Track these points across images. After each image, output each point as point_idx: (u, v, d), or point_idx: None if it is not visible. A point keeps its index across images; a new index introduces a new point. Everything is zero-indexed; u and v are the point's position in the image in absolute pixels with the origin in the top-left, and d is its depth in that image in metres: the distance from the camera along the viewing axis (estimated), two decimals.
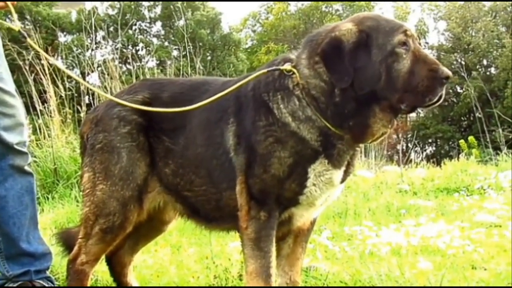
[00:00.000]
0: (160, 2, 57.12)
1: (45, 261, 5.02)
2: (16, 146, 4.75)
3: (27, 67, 11.42)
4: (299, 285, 4.67)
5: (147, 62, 53.02)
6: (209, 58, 55.12)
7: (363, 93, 3.92)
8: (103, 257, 5.03)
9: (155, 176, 4.61)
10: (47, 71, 10.90)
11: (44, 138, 11.55)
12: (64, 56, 12.91)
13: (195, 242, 7.27)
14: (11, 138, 4.71)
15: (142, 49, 56.46)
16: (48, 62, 11.12)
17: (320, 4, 62.89)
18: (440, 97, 3.94)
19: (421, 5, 60.90)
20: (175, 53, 51.96)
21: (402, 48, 3.93)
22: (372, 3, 61.28)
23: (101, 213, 4.58)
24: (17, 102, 4.79)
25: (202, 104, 4.33)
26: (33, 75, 11.37)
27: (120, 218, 4.56)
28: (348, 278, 5.35)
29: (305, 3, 64.15)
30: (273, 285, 4.25)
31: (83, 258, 4.66)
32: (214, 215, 4.57)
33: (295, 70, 4.15)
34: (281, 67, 4.21)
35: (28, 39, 4.93)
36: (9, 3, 4.75)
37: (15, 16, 4.74)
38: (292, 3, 65.23)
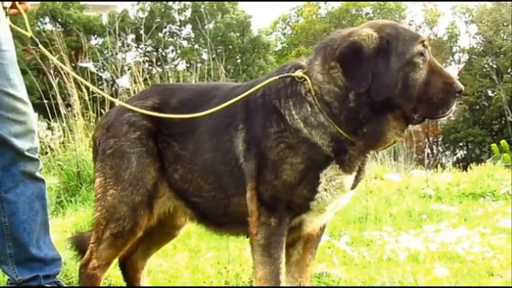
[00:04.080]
0: (190, 5, 57.28)
1: (55, 267, 5.03)
2: (27, 153, 4.77)
3: (51, 71, 11.48)
4: None
5: (176, 64, 53.37)
6: (238, 61, 55.26)
7: (378, 99, 3.90)
8: (117, 261, 5.08)
9: (165, 182, 4.61)
10: (70, 75, 10.93)
11: (68, 142, 11.63)
12: (94, 59, 12.93)
13: (213, 247, 7.26)
14: (22, 144, 4.73)
15: (172, 52, 56.77)
16: (72, 66, 11.20)
17: (350, 7, 62.80)
18: (452, 110, 3.96)
19: (452, 8, 60.53)
20: (204, 56, 52.20)
21: (420, 58, 3.93)
22: (402, 5, 60.97)
23: (112, 218, 4.60)
24: (29, 109, 4.81)
25: (209, 112, 4.33)
26: (57, 79, 11.44)
27: (130, 223, 4.57)
28: (360, 285, 5.32)
29: (336, 6, 64.12)
30: None
31: (95, 263, 4.68)
32: (223, 220, 4.58)
33: (307, 77, 4.13)
34: (293, 74, 4.19)
35: (40, 46, 4.98)
36: (21, 9, 4.79)
37: (27, 22, 4.78)
38: (322, 6, 65.20)
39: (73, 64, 13.63)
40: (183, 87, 5.07)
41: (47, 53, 5.30)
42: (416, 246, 7.23)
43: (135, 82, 12.09)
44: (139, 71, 12.29)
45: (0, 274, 5.37)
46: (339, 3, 63.79)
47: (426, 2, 61.75)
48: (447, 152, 53.94)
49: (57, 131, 13.75)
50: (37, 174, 4.90)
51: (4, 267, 4.94)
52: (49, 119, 12.76)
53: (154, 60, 30.31)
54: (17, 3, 4.79)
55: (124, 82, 14.63)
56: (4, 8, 4.68)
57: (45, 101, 12.32)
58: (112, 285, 5.47)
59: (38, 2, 50.76)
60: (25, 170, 4.79)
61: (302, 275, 4.60)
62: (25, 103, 4.76)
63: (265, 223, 4.17)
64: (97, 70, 13.36)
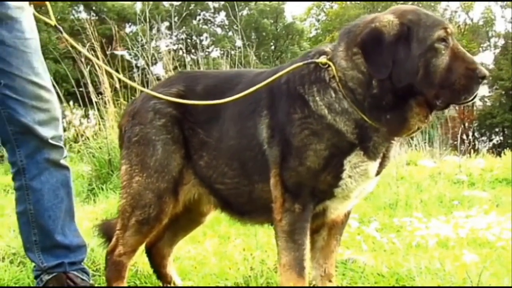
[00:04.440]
0: None
1: (80, 254, 5.06)
2: (51, 141, 4.79)
3: (82, 59, 11.55)
4: (334, 278, 4.64)
5: (210, 52, 53.40)
6: (272, 47, 55.20)
7: (400, 86, 3.87)
8: (143, 248, 5.11)
9: (190, 169, 4.62)
10: (101, 63, 10.99)
11: (100, 130, 11.70)
12: (128, 47, 12.98)
13: (243, 233, 7.26)
14: (46, 132, 4.75)
15: (205, 39, 56.85)
16: (103, 54, 11.25)
17: None
18: (475, 95, 3.92)
19: None
20: (238, 43, 52.22)
21: (442, 44, 3.89)
22: None
23: (137, 205, 4.62)
24: (53, 97, 4.83)
25: (233, 98, 4.33)
26: (88, 67, 11.50)
27: (155, 209, 4.59)
28: (386, 271, 5.31)
29: None
30: (307, 277, 4.25)
31: (121, 250, 4.71)
32: (246, 209, 4.59)
33: (330, 63, 4.11)
34: (317, 60, 4.18)
35: (64, 34, 5.00)
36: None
37: (50, 11, 4.80)
38: None
39: (108, 52, 13.66)
40: (207, 74, 5.08)
41: (71, 41, 5.31)
42: (446, 232, 7.22)
43: (168, 70, 12.12)
44: (173, 59, 12.32)
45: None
46: None
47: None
48: (483, 138, 53.54)
49: (93, 119, 13.86)
50: (62, 161, 4.93)
51: (30, 254, 4.98)
52: (84, 107, 12.85)
53: (187, 47, 30.32)
54: None
55: (158, 69, 14.70)
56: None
57: (77, 89, 12.43)
58: (139, 272, 5.49)
59: None
60: (50, 157, 4.82)
61: (327, 261, 4.60)
62: (49, 91, 4.79)
63: (289, 210, 4.17)
64: (131, 58, 13.42)
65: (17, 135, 4.73)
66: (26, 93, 4.64)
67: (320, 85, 4.12)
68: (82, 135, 12.30)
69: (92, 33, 11.51)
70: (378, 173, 4.29)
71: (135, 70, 11.86)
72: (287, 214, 4.18)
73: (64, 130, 13.90)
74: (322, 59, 4.16)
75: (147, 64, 12.50)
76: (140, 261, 5.51)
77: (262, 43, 56.59)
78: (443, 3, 61.27)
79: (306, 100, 4.12)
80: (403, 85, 3.87)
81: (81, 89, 12.46)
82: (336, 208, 4.35)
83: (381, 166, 4.27)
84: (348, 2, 64.54)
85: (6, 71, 4.58)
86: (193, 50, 30.48)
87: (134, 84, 5.75)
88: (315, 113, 4.08)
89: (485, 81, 3.99)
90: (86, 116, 15.49)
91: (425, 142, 18.04)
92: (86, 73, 11.38)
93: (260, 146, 4.29)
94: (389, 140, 4.15)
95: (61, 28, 4.88)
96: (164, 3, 53.95)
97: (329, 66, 4.11)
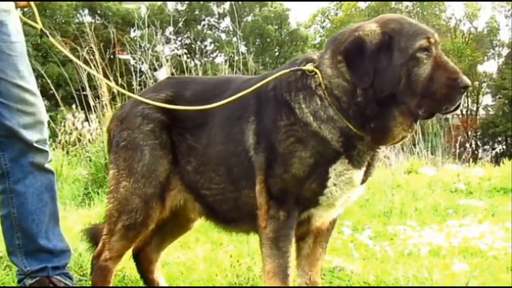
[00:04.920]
0: None
1: (64, 258, 5.06)
2: (36, 144, 4.79)
3: (80, 63, 11.55)
4: (319, 285, 4.64)
5: (215, 57, 53.49)
6: (276, 54, 55.24)
7: (383, 95, 3.89)
8: (131, 253, 5.11)
9: (177, 174, 4.61)
10: (99, 66, 11.01)
11: (98, 134, 11.69)
12: (133, 51, 12.98)
13: (236, 239, 7.25)
14: (31, 136, 4.75)
15: (210, 45, 56.93)
16: (101, 58, 11.25)
17: (390, 0, 62.35)
18: (458, 105, 3.91)
19: (492, 2, 59.84)
20: (242, 48, 52.27)
21: (424, 53, 3.90)
22: None
23: (124, 210, 4.61)
24: (38, 100, 4.83)
25: (220, 104, 4.34)
26: (86, 71, 11.50)
27: (142, 215, 4.58)
28: (373, 279, 5.30)
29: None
30: (290, 285, 4.25)
31: (107, 255, 4.70)
32: (231, 216, 4.58)
33: (317, 70, 4.13)
34: (303, 67, 4.19)
35: (51, 38, 5.00)
36: (31, 2, 4.82)
37: (36, 14, 4.80)
38: None
39: (106, 56, 13.68)
40: (196, 79, 5.11)
41: (57, 44, 5.31)
42: (438, 241, 7.21)
43: (172, 74, 12.12)
44: (179, 64, 12.33)
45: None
46: None
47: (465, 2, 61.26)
48: (486, 147, 53.47)
49: (94, 123, 13.87)
50: (46, 165, 4.93)
51: (13, 258, 4.97)
52: (87, 111, 12.86)
53: (192, 52, 30.40)
54: None
55: (162, 74, 14.68)
56: (15, 0, 4.71)
57: (80, 93, 12.43)
58: (126, 277, 5.49)
59: None
60: (34, 161, 4.82)
61: (313, 268, 4.60)
62: (34, 95, 4.79)
63: (274, 217, 4.18)
64: (135, 63, 13.45)
65: (1, 138, 4.73)
66: (11, 96, 4.64)
67: (306, 93, 4.13)
68: (79, 139, 12.30)
69: (91, 36, 11.51)
70: (363, 181, 4.29)
71: (134, 74, 11.79)
72: (271, 221, 4.19)
73: (68, 133, 14.02)
74: (309, 66, 4.17)
75: (150, 69, 12.53)
76: (127, 266, 5.51)
77: (266, 49, 56.66)
78: (448, 12, 61.30)
79: (292, 107, 4.13)
80: (386, 94, 3.88)
81: (84, 92, 12.45)
82: (321, 215, 4.35)
83: (366, 174, 4.28)
84: (353, 10, 64.53)
85: None
86: (197, 56, 30.54)
87: (119, 88, 5.73)
88: (301, 120, 4.09)
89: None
90: (87, 119, 15.54)
91: (427, 150, 18.00)
92: (84, 76, 11.38)
93: (246, 152, 4.29)
94: (373, 148, 4.16)
95: (47, 32, 4.89)
96: (169, 7, 54.05)
97: (315, 73, 4.13)
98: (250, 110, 4.32)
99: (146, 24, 12.88)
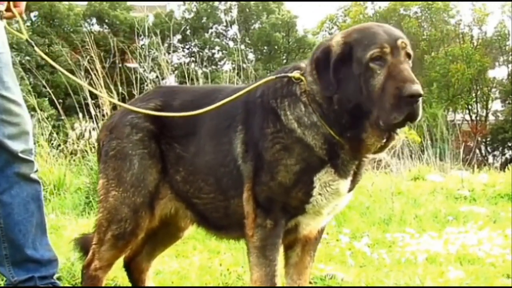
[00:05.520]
0: (236, 5, 57.45)
1: (51, 268, 5.06)
2: (21, 154, 4.79)
3: (82, 73, 11.60)
4: None
5: (223, 65, 53.52)
6: (284, 61, 55.22)
7: (350, 105, 3.91)
8: (122, 262, 5.12)
9: (167, 183, 4.62)
10: (100, 76, 11.04)
11: None
12: (141, 60, 13.00)
13: (234, 247, 7.25)
14: (16, 146, 4.76)
15: (218, 52, 56.99)
16: (102, 67, 11.29)
17: (398, 6, 62.21)
18: (410, 116, 3.80)
19: (501, 7, 59.57)
20: (250, 56, 52.30)
21: (376, 63, 3.86)
22: (450, 4, 60.25)
23: (113, 219, 4.62)
24: (22, 111, 4.83)
25: (206, 110, 4.36)
26: (87, 80, 11.53)
27: (131, 224, 4.59)
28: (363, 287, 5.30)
29: (383, 5, 63.62)
30: None
31: (97, 264, 4.71)
32: (222, 224, 4.59)
33: (303, 78, 4.14)
34: (290, 74, 4.20)
35: (36, 48, 5.01)
36: (16, 12, 4.83)
37: (22, 25, 4.82)
38: (369, 6, 64.78)
39: (115, 65, 13.72)
40: (186, 89, 5.12)
41: (43, 55, 5.31)
42: (436, 248, 7.18)
43: (180, 82, 12.15)
44: (188, 72, 12.36)
45: None
46: (386, 3, 63.29)
47: (474, 2, 61.01)
48: (496, 153, 53.30)
49: (95, 131, 13.87)
50: (32, 175, 4.93)
51: (0, 268, 4.97)
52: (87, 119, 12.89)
53: (199, 60, 30.42)
54: (11, 6, 4.81)
55: (171, 82, 14.71)
56: None
57: (84, 101, 12.46)
58: (118, 286, 5.49)
59: (85, 3, 51.32)
60: (20, 171, 4.82)
61: (301, 277, 4.60)
62: (19, 105, 4.79)
63: (260, 225, 4.19)
64: (144, 71, 13.46)
65: None
66: None
67: (291, 99, 4.15)
68: (77, 147, 12.31)
69: (92, 46, 11.55)
70: (350, 189, 4.28)
71: (135, 82, 11.80)
72: (258, 229, 4.20)
73: (72, 143, 14.01)
74: (295, 73, 4.18)
75: (158, 77, 12.55)
76: (120, 275, 5.51)
77: (274, 56, 56.66)
78: (456, 17, 61.08)
79: (278, 114, 4.15)
80: (353, 105, 3.89)
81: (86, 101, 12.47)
82: (308, 223, 4.35)
83: (353, 182, 4.27)
84: (361, 16, 64.44)
85: None
86: (205, 64, 30.53)
87: (109, 98, 5.74)
88: (286, 127, 4.11)
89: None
90: (94, 128, 15.57)
91: (435, 157, 17.97)
92: (85, 86, 11.39)
93: (235, 161, 4.30)
94: (356, 158, 4.14)
95: (33, 43, 4.89)
96: (176, 15, 54.12)
97: (301, 80, 4.13)
98: (238, 119, 4.33)
99: (143, 32, 12.89)
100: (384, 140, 3.98)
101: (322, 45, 4.10)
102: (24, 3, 4.90)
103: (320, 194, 4.13)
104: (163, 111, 4.60)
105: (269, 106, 4.20)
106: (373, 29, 4.01)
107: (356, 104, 3.88)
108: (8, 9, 4.79)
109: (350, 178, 4.20)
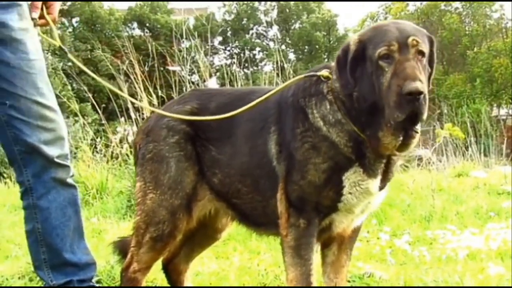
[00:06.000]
0: (276, 6, 57.44)
1: (89, 271, 5.10)
2: (57, 160, 4.85)
3: (121, 76, 11.69)
4: None
5: (264, 66, 53.58)
6: (325, 60, 55.07)
7: (367, 104, 3.92)
8: (160, 264, 5.16)
9: (205, 184, 4.66)
10: (139, 79, 11.12)
11: None
12: (183, 62, 13.05)
13: (274, 248, 7.26)
14: (52, 151, 4.81)
15: (258, 53, 57.07)
16: (141, 71, 11.36)
17: (439, 3, 61.70)
18: (413, 114, 3.78)
19: None
20: (291, 56, 52.27)
21: (384, 61, 3.85)
22: None
23: (151, 222, 4.66)
24: (57, 117, 4.89)
25: (237, 112, 4.38)
26: (127, 84, 11.63)
27: (169, 226, 4.63)
28: (401, 285, 5.28)
29: (424, 2, 63.14)
30: None
31: (135, 266, 4.76)
32: (261, 221, 4.62)
33: (331, 76, 4.16)
34: (318, 73, 4.22)
35: (69, 55, 5.07)
36: (49, 19, 4.88)
37: (55, 32, 4.88)
38: (410, 2, 64.34)
39: (161, 68, 13.81)
40: (222, 91, 5.14)
41: (75, 61, 5.38)
42: (477, 244, 7.10)
43: (221, 84, 12.19)
44: (227, 74, 12.40)
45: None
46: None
47: None
48: None
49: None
50: (69, 180, 4.98)
51: (39, 272, 5.03)
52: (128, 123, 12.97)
53: (238, 61, 30.51)
54: (45, 13, 4.88)
55: (212, 84, 14.77)
56: (33, 19, 4.78)
57: (117, 106, 12.55)
58: (158, 287, 5.54)
59: (126, 7, 51.69)
60: (56, 176, 4.88)
61: (338, 275, 4.61)
62: (54, 111, 4.85)
63: (294, 225, 4.20)
64: (185, 74, 13.50)
65: (23, 154, 4.79)
66: (31, 113, 4.70)
67: (318, 98, 4.17)
68: (119, 152, 12.39)
69: (131, 50, 11.63)
70: (382, 187, 4.28)
71: (174, 86, 11.85)
72: (292, 229, 4.21)
73: (114, 146, 14.11)
74: (324, 71, 4.19)
75: (200, 79, 12.60)
76: (159, 277, 5.56)
77: (315, 56, 56.59)
78: (498, 12, 60.39)
79: (306, 113, 4.18)
80: (369, 103, 3.90)
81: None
82: (341, 221, 4.36)
83: (384, 181, 4.26)
84: (402, 13, 64.01)
85: (11, 92, 4.65)
86: (246, 65, 30.59)
87: (143, 104, 5.78)
88: (313, 125, 4.14)
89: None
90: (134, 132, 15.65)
91: (480, 153, 17.79)
92: (125, 90, 11.45)
93: (270, 163, 4.33)
94: (380, 157, 4.12)
95: (66, 49, 4.95)
96: (217, 17, 54.28)
97: (330, 79, 4.15)
98: (271, 120, 4.36)
99: (185, 36, 12.95)
100: (401, 139, 3.93)
101: (344, 43, 4.12)
102: (57, 9, 4.95)
103: (350, 193, 4.13)
104: (199, 113, 4.63)
105: (298, 105, 4.23)
106: (387, 27, 4.00)
107: (372, 102, 3.88)
108: (41, 17, 4.86)
109: (379, 177, 4.19)
